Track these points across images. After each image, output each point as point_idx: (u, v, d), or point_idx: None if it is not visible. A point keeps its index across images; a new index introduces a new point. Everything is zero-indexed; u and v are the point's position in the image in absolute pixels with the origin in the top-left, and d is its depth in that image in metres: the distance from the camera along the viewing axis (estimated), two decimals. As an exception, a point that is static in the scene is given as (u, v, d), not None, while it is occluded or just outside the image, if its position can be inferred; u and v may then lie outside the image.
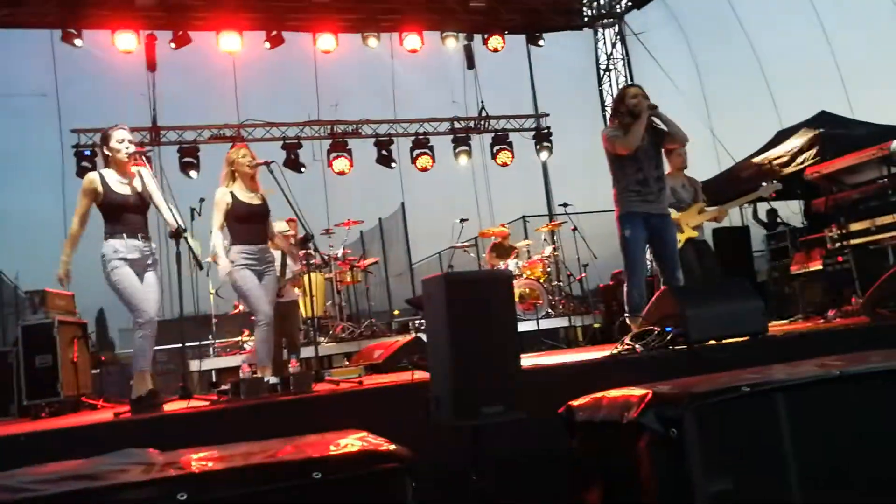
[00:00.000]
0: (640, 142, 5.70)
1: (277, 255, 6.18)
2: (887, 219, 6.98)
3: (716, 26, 13.98)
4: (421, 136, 13.46)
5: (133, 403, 4.70)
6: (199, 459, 2.34)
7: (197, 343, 9.54)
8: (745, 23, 13.45)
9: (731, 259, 9.78)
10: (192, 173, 11.91)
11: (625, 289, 5.97)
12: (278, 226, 6.59)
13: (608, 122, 6.29)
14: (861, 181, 7.43)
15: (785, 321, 8.19)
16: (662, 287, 5.58)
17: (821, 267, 8.69)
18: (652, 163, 5.85)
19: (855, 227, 7.36)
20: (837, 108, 10.86)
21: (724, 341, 4.86)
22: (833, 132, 9.35)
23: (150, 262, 5.14)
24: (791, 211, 11.40)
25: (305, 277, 9.04)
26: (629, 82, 5.68)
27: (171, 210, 5.11)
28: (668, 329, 4.89)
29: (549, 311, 10.33)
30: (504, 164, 13.80)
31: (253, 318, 5.64)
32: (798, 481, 2.80)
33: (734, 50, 13.78)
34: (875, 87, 11.61)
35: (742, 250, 10.68)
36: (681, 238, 7.28)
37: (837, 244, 7.75)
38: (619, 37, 16.13)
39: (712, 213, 7.40)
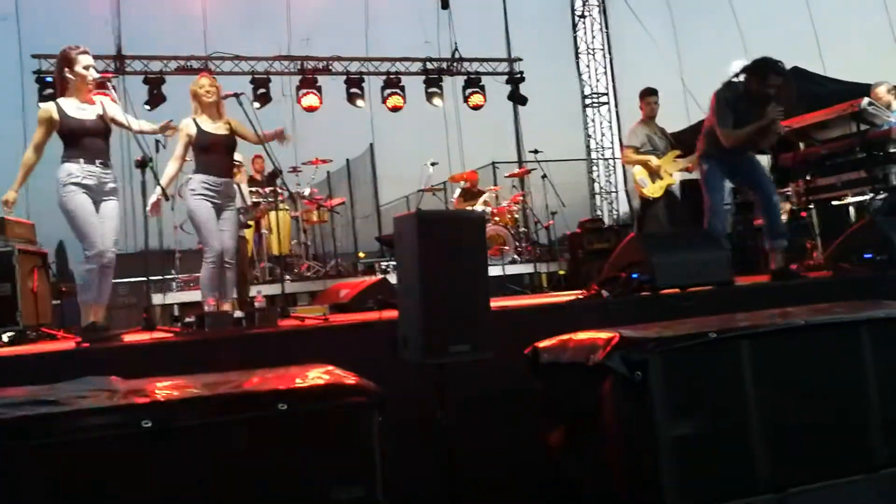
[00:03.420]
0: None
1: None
2: (853, 175, 7.03)
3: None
4: (392, 76, 13.27)
5: (83, 332, 4.64)
6: (164, 388, 2.31)
7: (160, 277, 9.41)
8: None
9: (696, 211, 9.81)
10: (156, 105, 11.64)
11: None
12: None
13: (724, 85, 5.97)
14: (830, 137, 7.45)
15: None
16: (630, 234, 5.61)
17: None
18: None
19: (821, 182, 7.41)
20: (811, 64, 10.88)
21: (689, 289, 4.91)
22: (805, 87, 9.34)
23: (108, 189, 5.01)
24: (758, 165, 11.47)
25: (272, 214, 8.93)
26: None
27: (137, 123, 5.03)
28: (634, 276, 4.92)
29: (516, 257, 10.35)
30: (476, 107, 13.68)
31: (204, 250, 5.48)
32: (759, 427, 2.85)
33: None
34: (848, 44, 11.65)
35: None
36: (661, 186, 7.31)
37: (802, 199, 7.80)
38: (595, -18, 15.99)
39: (686, 163, 7.41)
